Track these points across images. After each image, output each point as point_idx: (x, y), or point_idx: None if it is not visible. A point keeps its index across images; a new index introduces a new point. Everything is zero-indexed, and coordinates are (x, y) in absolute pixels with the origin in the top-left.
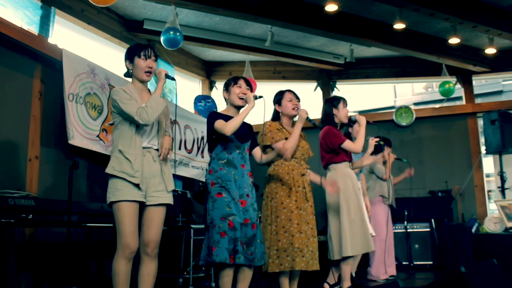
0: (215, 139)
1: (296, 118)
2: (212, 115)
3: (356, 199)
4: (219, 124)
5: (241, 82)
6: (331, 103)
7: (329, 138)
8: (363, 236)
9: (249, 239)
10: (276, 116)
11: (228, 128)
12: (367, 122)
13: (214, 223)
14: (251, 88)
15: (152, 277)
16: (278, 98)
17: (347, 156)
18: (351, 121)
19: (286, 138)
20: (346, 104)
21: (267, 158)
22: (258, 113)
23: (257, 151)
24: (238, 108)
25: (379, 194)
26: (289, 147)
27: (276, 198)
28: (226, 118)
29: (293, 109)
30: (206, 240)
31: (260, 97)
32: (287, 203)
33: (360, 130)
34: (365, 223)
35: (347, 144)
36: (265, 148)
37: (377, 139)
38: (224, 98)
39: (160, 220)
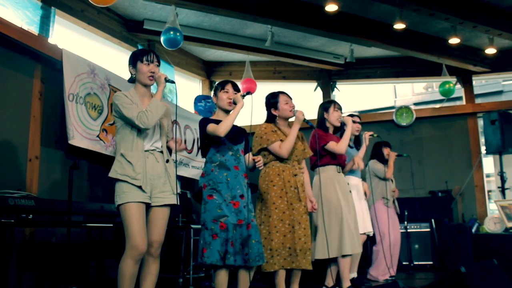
0: (208, 143)
1: (292, 119)
2: (203, 121)
3: (338, 203)
4: (211, 127)
5: (229, 87)
6: (323, 106)
7: (314, 140)
8: (337, 239)
9: (244, 240)
10: (270, 118)
11: (221, 129)
12: (354, 122)
13: (206, 225)
14: (239, 91)
15: (154, 277)
16: (273, 101)
17: (334, 159)
18: (343, 124)
19: (281, 140)
20: (339, 108)
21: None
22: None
23: (246, 157)
24: (227, 112)
25: (381, 196)
26: (287, 148)
27: (267, 199)
28: (217, 122)
29: (291, 111)
30: (199, 242)
31: (248, 93)
32: (279, 203)
33: (346, 131)
34: (342, 227)
35: (330, 145)
36: (260, 151)
37: (371, 133)
38: (213, 102)
39: (164, 220)
